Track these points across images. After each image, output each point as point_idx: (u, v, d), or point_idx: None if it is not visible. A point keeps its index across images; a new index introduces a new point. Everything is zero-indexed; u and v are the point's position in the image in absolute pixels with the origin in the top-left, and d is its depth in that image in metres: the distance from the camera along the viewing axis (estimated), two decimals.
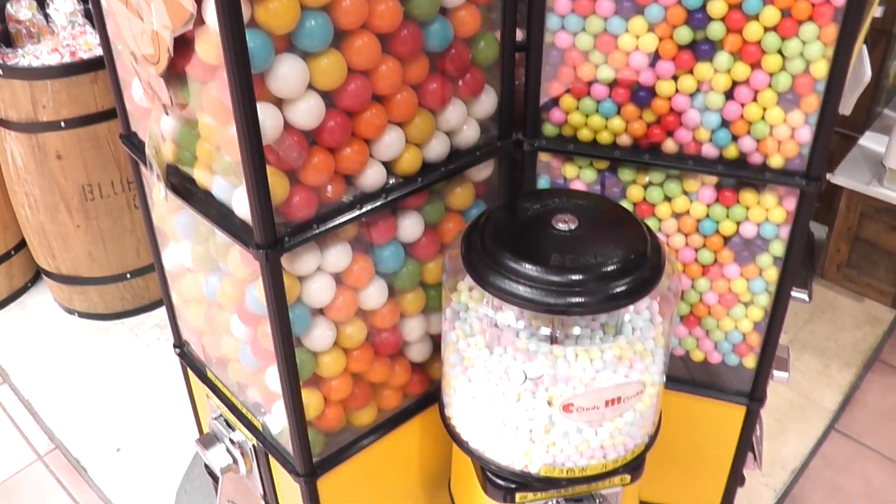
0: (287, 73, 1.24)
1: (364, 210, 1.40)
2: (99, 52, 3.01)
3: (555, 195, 1.53)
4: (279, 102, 1.27)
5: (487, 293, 1.39)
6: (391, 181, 1.45)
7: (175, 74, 1.32)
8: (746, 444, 1.91)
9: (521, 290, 1.33)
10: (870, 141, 4.03)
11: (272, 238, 1.29)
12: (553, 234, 1.42)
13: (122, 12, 1.38)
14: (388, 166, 1.44)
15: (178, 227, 1.58)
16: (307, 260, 1.38)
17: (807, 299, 2.24)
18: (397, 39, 1.35)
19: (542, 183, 1.70)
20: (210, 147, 1.36)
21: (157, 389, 3.58)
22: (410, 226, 1.52)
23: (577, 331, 1.37)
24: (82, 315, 3.75)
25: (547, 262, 1.35)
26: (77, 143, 3.13)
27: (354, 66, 1.31)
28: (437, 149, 1.51)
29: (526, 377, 1.37)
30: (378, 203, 1.42)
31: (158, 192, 1.49)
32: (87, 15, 3.25)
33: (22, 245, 3.69)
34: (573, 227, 1.42)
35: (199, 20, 1.19)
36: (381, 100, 1.38)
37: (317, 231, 1.35)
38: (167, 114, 1.40)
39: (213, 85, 1.26)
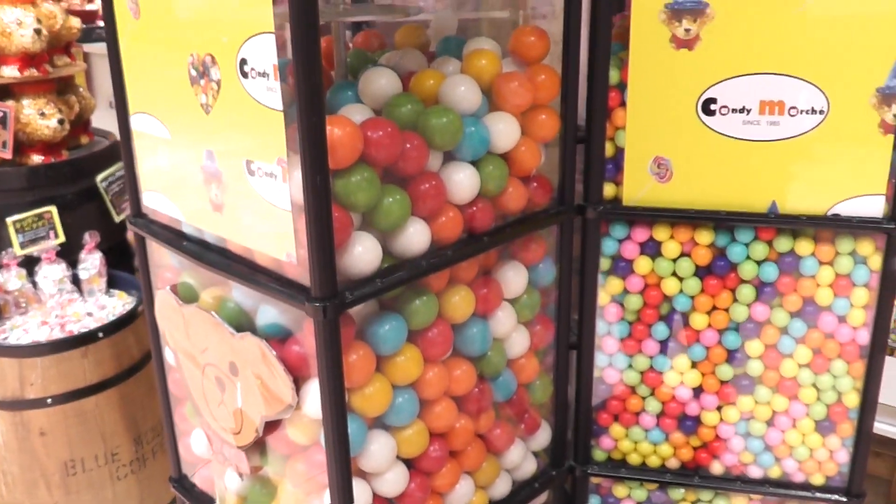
0: (378, 450, 1.26)
1: None
2: (89, 323, 2.97)
3: None
4: (366, 475, 1.28)
5: None
6: None
7: (255, 444, 1.33)
8: None
9: None
10: None
11: None
12: None
13: (194, 375, 1.39)
14: None
15: None
16: None
17: None
18: (471, 399, 1.39)
19: (594, 502, 1.72)
20: None
21: None
22: None
23: None
24: None
25: None
26: (63, 419, 3.02)
27: (434, 430, 1.34)
28: (501, 487, 1.52)
29: None
30: None
31: None
32: (75, 281, 3.26)
33: None
34: None
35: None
36: (453, 454, 1.40)
37: None
38: (241, 478, 1.39)
39: (300, 460, 1.27)
